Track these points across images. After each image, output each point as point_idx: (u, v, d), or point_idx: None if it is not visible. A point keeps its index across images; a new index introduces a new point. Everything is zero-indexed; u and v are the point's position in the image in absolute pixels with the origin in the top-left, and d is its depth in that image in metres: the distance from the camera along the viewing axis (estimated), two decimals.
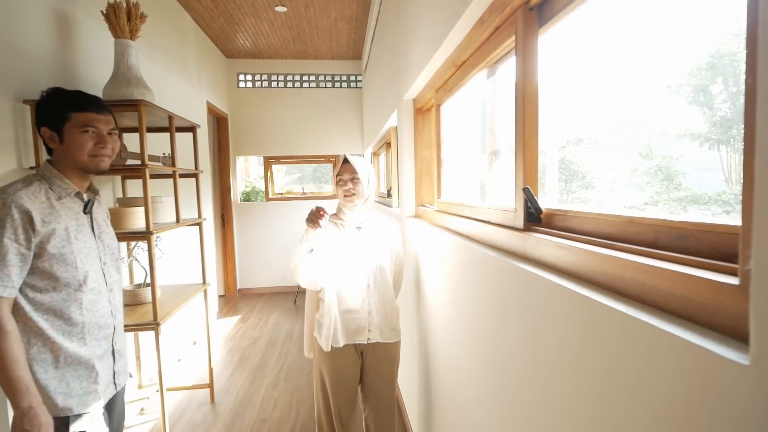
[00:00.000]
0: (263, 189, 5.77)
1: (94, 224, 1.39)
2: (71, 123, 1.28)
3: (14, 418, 1.12)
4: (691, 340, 0.47)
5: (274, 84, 5.46)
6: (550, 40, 1.03)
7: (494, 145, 1.39)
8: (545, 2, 0.97)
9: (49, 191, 1.27)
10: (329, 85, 5.57)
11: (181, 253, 3.41)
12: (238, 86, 5.39)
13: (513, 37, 1.06)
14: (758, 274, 0.39)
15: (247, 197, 5.84)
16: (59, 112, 1.28)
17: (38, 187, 1.25)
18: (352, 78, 5.60)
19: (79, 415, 1.29)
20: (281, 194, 5.82)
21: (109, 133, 1.37)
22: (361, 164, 1.75)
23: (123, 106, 1.94)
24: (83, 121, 1.30)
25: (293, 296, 5.38)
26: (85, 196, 1.37)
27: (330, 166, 5.92)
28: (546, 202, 1.03)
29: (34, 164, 1.82)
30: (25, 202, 1.19)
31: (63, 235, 1.26)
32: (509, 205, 1.11)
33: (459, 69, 1.53)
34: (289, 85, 5.49)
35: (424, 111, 2.21)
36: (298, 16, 4.04)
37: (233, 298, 5.45)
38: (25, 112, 1.81)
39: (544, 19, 0.98)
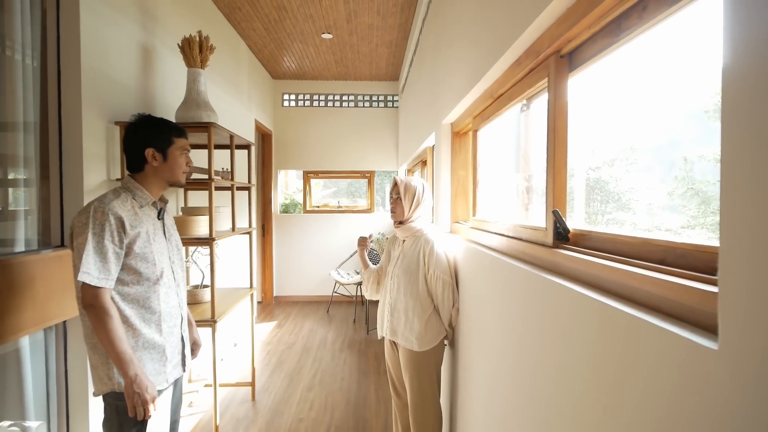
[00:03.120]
0: (301, 202, 6.05)
1: (165, 229, 1.63)
2: (175, 146, 1.56)
3: (125, 385, 1.36)
4: (682, 334, 0.62)
5: (315, 103, 5.78)
6: (583, 77, 1.17)
7: (528, 169, 1.54)
8: (575, 51, 1.13)
9: (133, 201, 1.52)
10: (367, 104, 5.84)
11: (227, 259, 3.67)
12: (282, 105, 5.73)
13: (546, 79, 1.22)
14: (723, 281, 0.54)
15: (286, 209, 6.13)
16: (166, 136, 1.54)
17: (125, 197, 1.50)
18: (389, 98, 5.85)
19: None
20: (318, 207, 6.09)
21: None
22: (406, 186, 2.01)
23: (195, 127, 2.20)
24: (182, 145, 1.59)
25: (326, 305, 5.59)
26: (159, 205, 1.61)
27: (365, 181, 6.15)
28: (573, 223, 1.17)
29: (120, 176, 2.10)
30: (118, 209, 1.43)
31: (145, 237, 1.50)
32: (540, 224, 1.26)
33: (496, 101, 1.69)
34: (330, 104, 5.80)
35: (461, 134, 2.38)
36: (342, 42, 4.32)
37: (270, 304, 5.70)
38: (115, 132, 2.09)
39: (573, 65, 1.14)
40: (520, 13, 1.21)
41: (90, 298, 1.35)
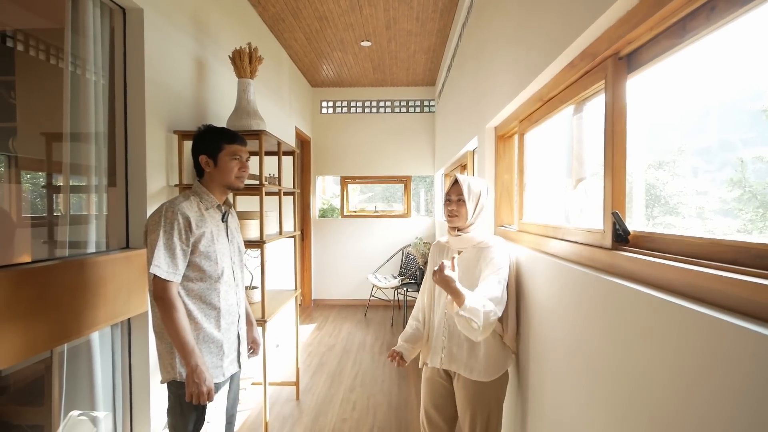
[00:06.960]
0: (338, 207, 6.16)
1: (228, 231, 1.72)
2: (224, 152, 1.65)
3: (186, 373, 1.46)
4: (763, 332, 0.62)
5: (353, 110, 5.89)
6: (640, 81, 1.16)
7: (581, 172, 1.53)
8: (634, 53, 1.13)
9: (200, 203, 1.63)
10: (404, 110, 5.89)
11: (271, 262, 3.78)
12: (320, 112, 5.87)
13: (602, 82, 1.22)
14: None
15: (324, 214, 6.25)
16: (216, 143, 1.64)
17: (193, 200, 1.61)
18: (426, 103, 5.88)
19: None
20: (355, 212, 6.17)
21: (246, 160, 1.73)
22: (471, 186, 1.69)
23: (245, 134, 2.30)
24: (233, 151, 1.67)
25: (364, 309, 5.64)
26: (223, 208, 1.70)
27: (401, 186, 6.19)
28: (632, 225, 1.16)
29: (177, 182, 2.22)
30: (186, 210, 1.55)
31: (209, 237, 1.60)
32: (597, 226, 1.26)
33: (545, 104, 1.69)
34: (367, 110, 5.89)
35: (506, 138, 2.38)
36: (381, 49, 4.39)
37: (308, 307, 5.81)
38: (173, 141, 2.22)
39: (632, 67, 1.14)
40: (575, 17, 1.22)
41: (159, 291, 1.46)
